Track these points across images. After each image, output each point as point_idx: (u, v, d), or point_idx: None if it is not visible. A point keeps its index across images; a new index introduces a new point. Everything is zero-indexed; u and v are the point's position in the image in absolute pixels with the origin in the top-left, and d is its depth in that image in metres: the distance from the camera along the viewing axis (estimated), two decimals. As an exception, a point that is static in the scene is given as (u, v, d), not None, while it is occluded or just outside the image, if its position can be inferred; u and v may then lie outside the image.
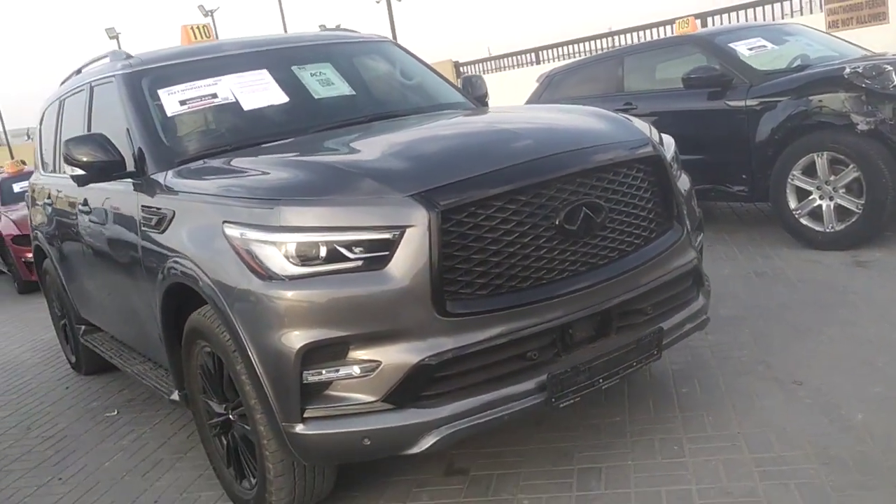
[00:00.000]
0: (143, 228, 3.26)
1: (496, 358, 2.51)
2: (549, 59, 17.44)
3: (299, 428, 2.47)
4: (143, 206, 3.27)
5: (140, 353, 4.09)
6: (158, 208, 3.12)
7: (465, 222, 2.45)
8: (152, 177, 3.31)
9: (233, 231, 2.58)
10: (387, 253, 2.40)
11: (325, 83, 3.89)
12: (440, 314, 2.41)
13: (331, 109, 3.79)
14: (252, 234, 2.51)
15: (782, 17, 12.39)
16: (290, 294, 2.42)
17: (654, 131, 3.14)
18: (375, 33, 4.63)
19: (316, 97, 3.80)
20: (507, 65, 19.03)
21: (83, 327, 5.00)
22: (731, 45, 6.27)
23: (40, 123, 5.66)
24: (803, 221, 5.54)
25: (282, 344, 2.42)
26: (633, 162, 2.84)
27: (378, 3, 25.39)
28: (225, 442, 3.11)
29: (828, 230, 5.42)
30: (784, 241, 5.67)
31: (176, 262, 2.91)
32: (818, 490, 2.59)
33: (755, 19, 12.53)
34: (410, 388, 2.41)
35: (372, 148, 2.97)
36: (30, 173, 11.51)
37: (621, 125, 3.06)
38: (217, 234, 2.65)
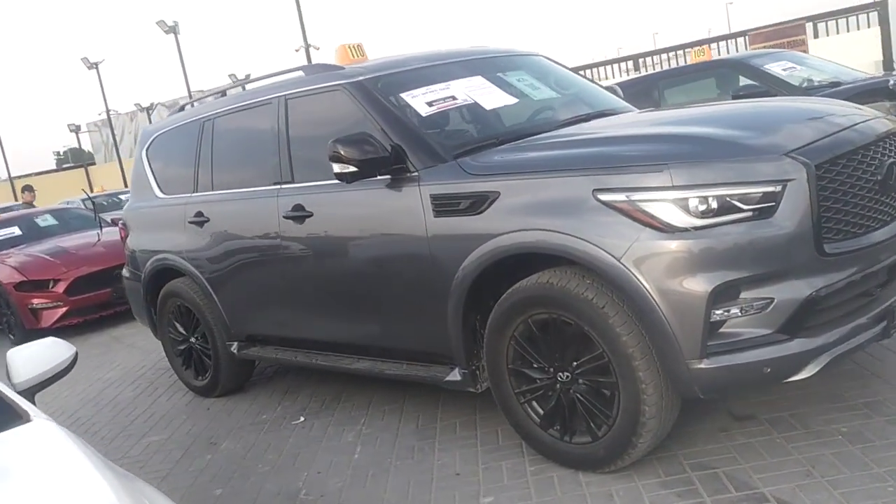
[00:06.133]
0: (436, 217, 3.47)
1: (853, 293, 2.94)
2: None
3: (704, 363, 2.78)
4: (433, 195, 3.48)
5: (368, 348, 4.17)
6: (469, 192, 3.35)
7: (824, 177, 2.88)
8: (434, 169, 3.53)
9: (612, 196, 2.89)
10: (773, 204, 2.78)
11: (532, 87, 4.25)
12: (820, 254, 2.81)
13: (553, 108, 4.16)
14: (641, 196, 2.84)
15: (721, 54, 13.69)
16: (696, 243, 2.76)
17: None
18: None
19: (535, 98, 4.15)
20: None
21: (235, 343, 5.01)
22: (766, 66, 7.08)
23: (146, 149, 5.66)
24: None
25: (691, 287, 2.75)
26: None
27: (297, 51, 25.70)
28: (539, 406, 3.34)
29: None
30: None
31: (511, 236, 3.16)
32: None
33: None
34: (799, 319, 2.79)
35: (700, 124, 3.35)
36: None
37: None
38: (585, 202, 2.95)
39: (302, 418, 4.62)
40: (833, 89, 6.55)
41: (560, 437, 3.30)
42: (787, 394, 3.57)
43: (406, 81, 4.03)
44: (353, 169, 3.60)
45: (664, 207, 2.81)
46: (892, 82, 6.17)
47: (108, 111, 40.48)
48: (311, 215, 4.12)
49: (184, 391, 5.65)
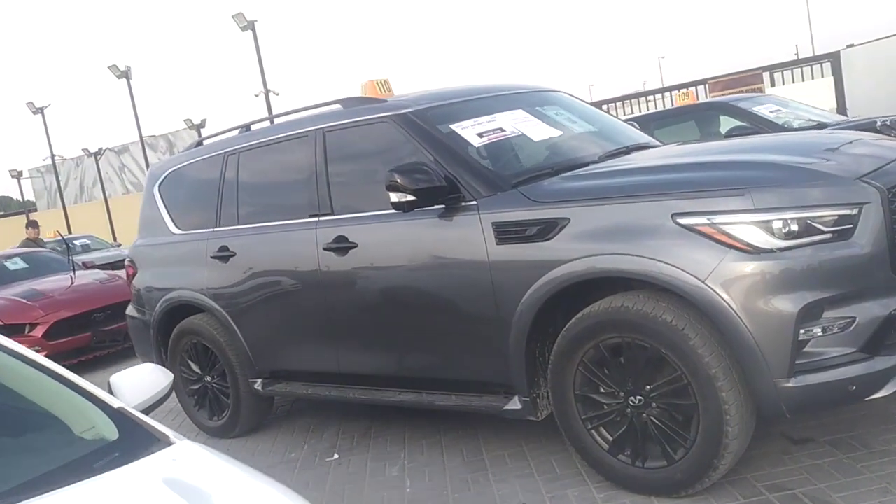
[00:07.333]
0: (499, 244, 3.48)
1: (921, 313, 3.04)
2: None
3: (792, 382, 2.84)
4: (496, 223, 3.51)
5: (413, 380, 4.12)
6: (536, 219, 3.38)
7: (893, 200, 3.00)
8: (494, 198, 3.56)
9: (693, 220, 2.96)
10: (850, 226, 2.89)
11: (570, 121, 4.34)
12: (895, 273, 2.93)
13: (593, 140, 4.25)
14: (723, 218, 2.91)
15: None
16: (781, 263, 2.84)
17: None
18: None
19: (576, 131, 4.24)
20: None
21: (259, 380, 4.90)
22: (754, 108, 7.37)
23: (158, 185, 5.56)
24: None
25: (779, 306, 2.82)
26: None
27: (257, 96, 25.69)
28: (607, 432, 3.34)
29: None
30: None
31: (585, 261, 3.20)
32: None
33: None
34: (880, 338, 2.88)
35: (768, 152, 3.46)
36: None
37: None
38: (663, 226, 3.01)
39: (336, 455, 4.52)
40: (821, 130, 6.86)
41: (631, 462, 3.30)
42: (840, 417, 3.65)
43: (452, 114, 4.07)
44: (410, 198, 3.61)
45: (748, 229, 2.89)
46: (878, 123, 6.49)
47: (52, 156, 39.55)
48: (355, 246, 4.08)
49: (195, 432, 5.46)
